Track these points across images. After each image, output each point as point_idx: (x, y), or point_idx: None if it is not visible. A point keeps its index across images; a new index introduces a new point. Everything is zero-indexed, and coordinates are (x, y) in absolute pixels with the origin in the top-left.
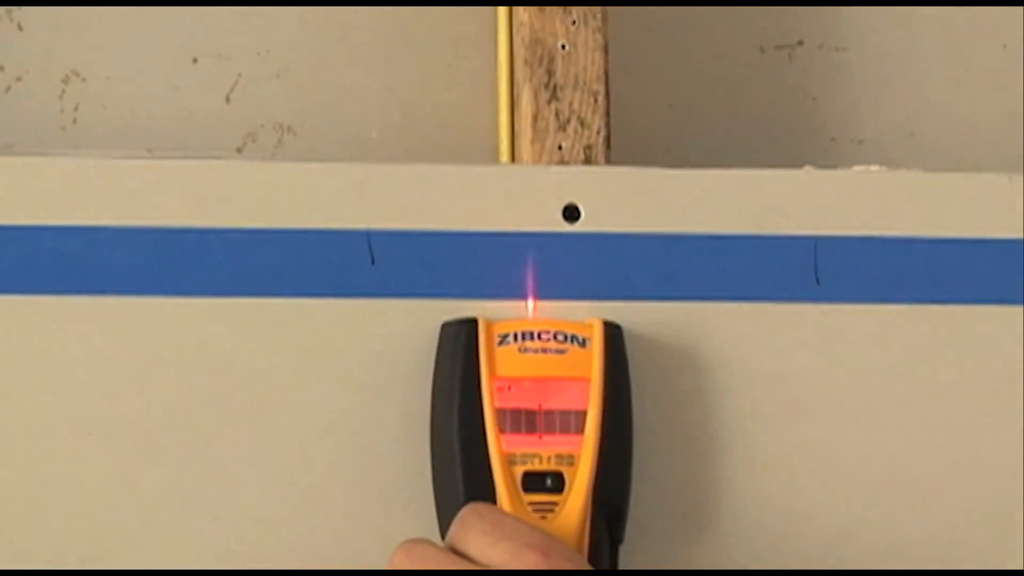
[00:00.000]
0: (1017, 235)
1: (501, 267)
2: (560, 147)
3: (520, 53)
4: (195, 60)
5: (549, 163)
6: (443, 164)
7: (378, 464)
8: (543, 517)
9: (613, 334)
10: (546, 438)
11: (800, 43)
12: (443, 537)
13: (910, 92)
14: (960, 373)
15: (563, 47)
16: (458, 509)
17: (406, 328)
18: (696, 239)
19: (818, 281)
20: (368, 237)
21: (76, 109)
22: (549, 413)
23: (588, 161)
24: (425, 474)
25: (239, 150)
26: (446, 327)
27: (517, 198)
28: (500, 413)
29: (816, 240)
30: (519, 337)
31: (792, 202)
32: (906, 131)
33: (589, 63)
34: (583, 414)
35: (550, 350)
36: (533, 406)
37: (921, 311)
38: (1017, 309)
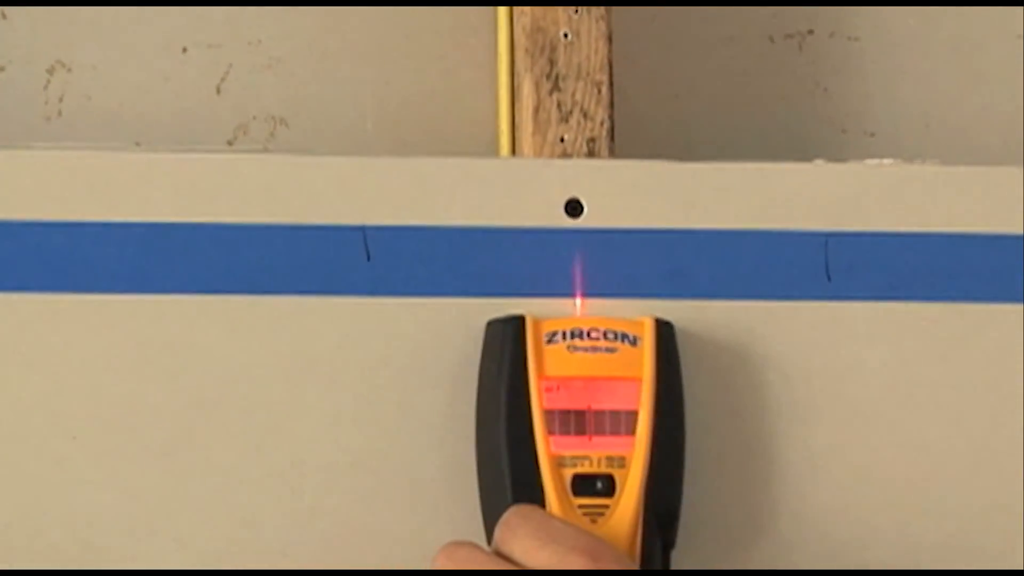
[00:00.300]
0: None
1: (501, 263)
2: (562, 139)
3: (521, 42)
4: (184, 50)
5: (551, 156)
6: (441, 157)
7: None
8: (593, 521)
9: (665, 332)
10: (596, 440)
11: (811, 32)
12: (489, 542)
13: (924, 83)
14: (980, 374)
15: (565, 36)
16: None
17: (402, 327)
18: (702, 235)
19: (829, 278)
20: (364, 233)
21: (61, 100)
22: (599, 414)
23: (591, 154)
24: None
25: (230, 143)
26: (491, 325)
27: (518, 192)
28: (548, 414)
29: (827, 236)
30: (568, 335)
31: (802, 196)
32: (920, 123)
33: (592, 52)
34: (634, 415)
35: (600, 349)
36: (582, 407)
37: (937, 309)
38: None
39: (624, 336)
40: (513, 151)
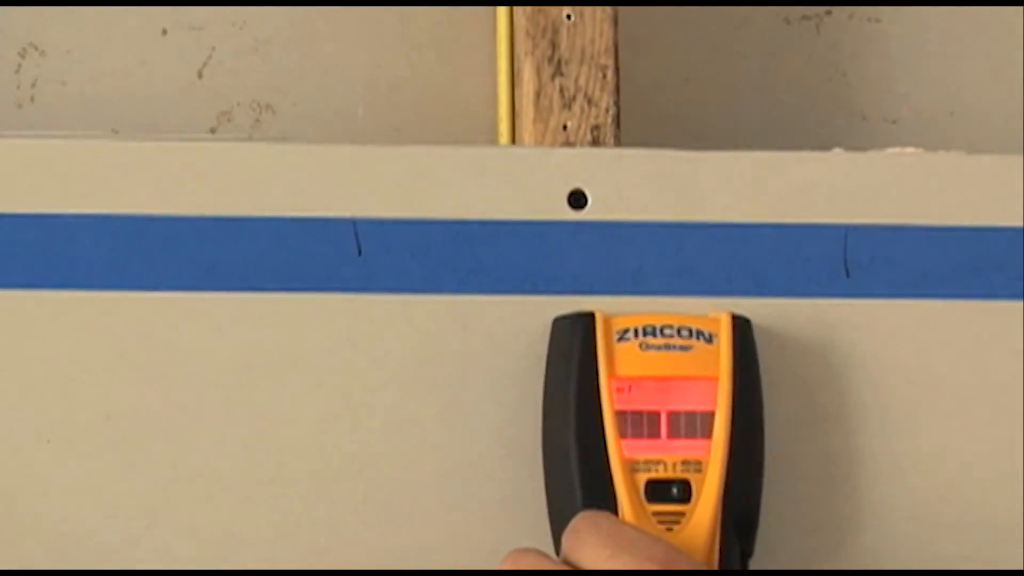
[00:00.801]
0: None
1: (500, 259)
2: (565, 127)
3: (521, 24)
4: (164, 32)
5: (553, 144)
6: (436, 146)
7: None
8: (669, 529)
9: (742, 328)
10: (671, 443)
11: (829, 13)
12: (557, 551)
13: (950, 66)
14: (1009, 374)
15: (568, 17)
16: None
17: (394, 325)
18: (714, 228)
19: (848, 274)
20: (354, 226)
21: (34, 85)
22: (674, 415)
23: (596, 142)
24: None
25: (213, 130)
26: (559, 322)
27: (518, 183)
28: (620, 416)
29: (846, 229)
30: (640, 332)
31: (819, 187)
32: (945, 109)
33: (597, 34)
34: (711, 416)
35: (674, 347)
36: (656, 408)
37: (963, 307)
38: None
39: (699, 333)
40: (513, 139)
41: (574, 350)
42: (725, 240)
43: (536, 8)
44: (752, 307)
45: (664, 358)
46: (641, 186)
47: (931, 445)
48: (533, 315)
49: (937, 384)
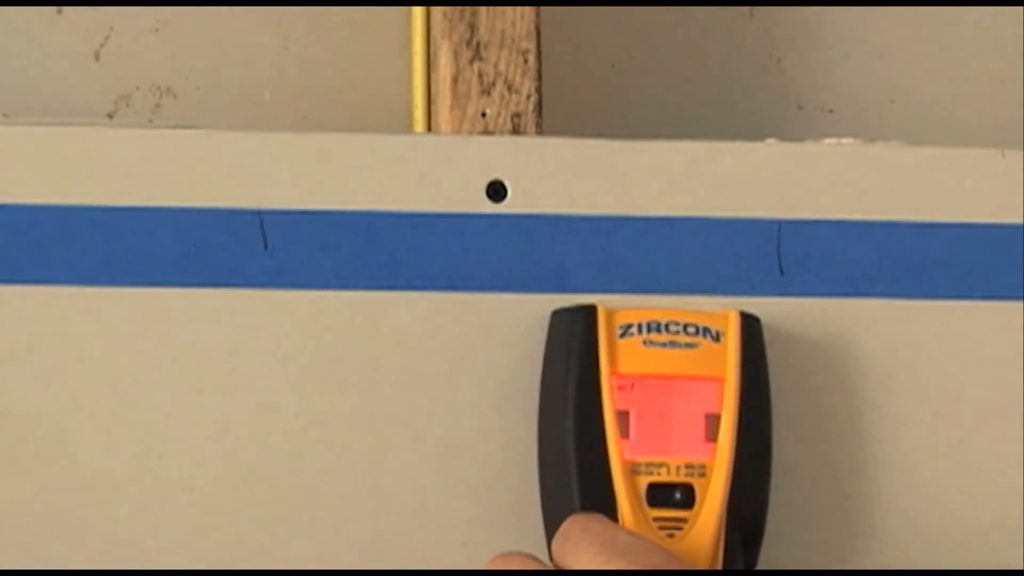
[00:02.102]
0: (1015, 219)
1: (415, 253)
2: (484, 114)
3: (438, 5)
4: (59, 11)
5: (471, 133)
6: (347, 133)
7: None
8: (670, 535)
9: (751, 327)
10: (674, 445)
11: None
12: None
13: (889, 54)
14: (948, 375)
15: None
16: None
17: (302, 323)
18: (640, 222)
19: (782, 271)
20: (260, 218)
21: None
22: (678, 417)
23: (516, 131)
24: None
25: (110, 115)
26: (557, 315)
27: (433, 174)
28: (621, 416)
29: (780, 224)
30: (644, 328)
31: (752, 179)
32: (884, 98)
33: (518, 17)
34: (716, 418)
35: (679, 344)
36: (659, 408)
37: (900, 307)
38: (1016, 305)
39: (706, 331)
40: (429, 127)
41: (574, 345)
42: (652, 235)
43: None
44: (681, 306)
45: (668, 356)
46: (564, 177)
47: (859, 450)
48: (449, 313)
49: (872, 387)
